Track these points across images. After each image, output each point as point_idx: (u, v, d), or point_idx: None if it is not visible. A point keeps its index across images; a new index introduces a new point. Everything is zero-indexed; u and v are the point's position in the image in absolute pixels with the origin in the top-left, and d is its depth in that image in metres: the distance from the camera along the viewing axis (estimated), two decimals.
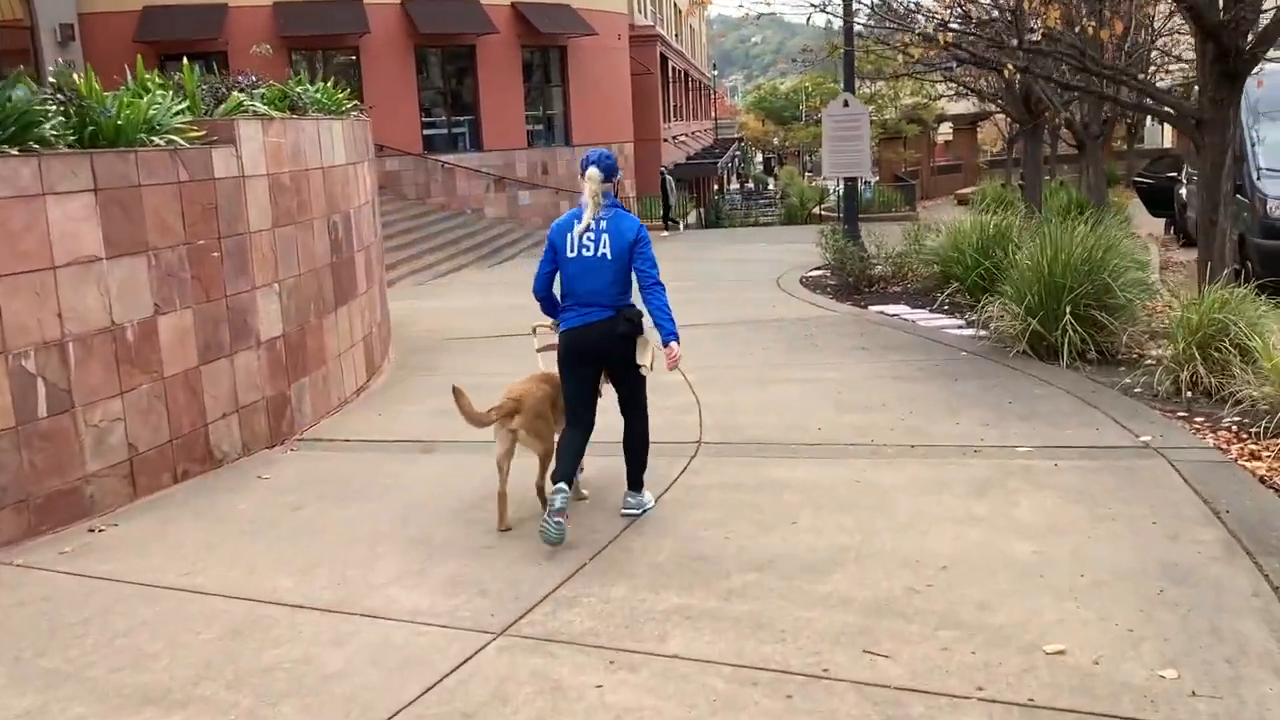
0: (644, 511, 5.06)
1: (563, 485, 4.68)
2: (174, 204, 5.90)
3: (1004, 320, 9.02)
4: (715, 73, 74.44)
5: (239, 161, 6.40)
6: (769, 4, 10.23)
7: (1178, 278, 13.58)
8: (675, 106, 41.16)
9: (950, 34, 9.15)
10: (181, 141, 6.06)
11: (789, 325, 10.91)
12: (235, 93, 6.88)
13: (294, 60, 23.28)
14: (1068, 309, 8.47)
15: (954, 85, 20.02)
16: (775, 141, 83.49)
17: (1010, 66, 8.24)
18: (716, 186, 46.11)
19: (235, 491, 5.78)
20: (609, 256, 4.80)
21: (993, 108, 32.12)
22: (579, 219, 4.89)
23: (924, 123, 34.72)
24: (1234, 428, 6.34)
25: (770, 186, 61.28)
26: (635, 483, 5.11)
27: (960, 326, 10.77)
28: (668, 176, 25.81)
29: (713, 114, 63.19)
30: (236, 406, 6.37)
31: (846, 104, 15.05)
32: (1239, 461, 5.65)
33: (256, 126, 6.66)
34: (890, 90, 30.89)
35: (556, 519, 4.57)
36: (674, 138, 38.23)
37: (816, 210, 31.18)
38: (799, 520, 4.90)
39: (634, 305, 4.95)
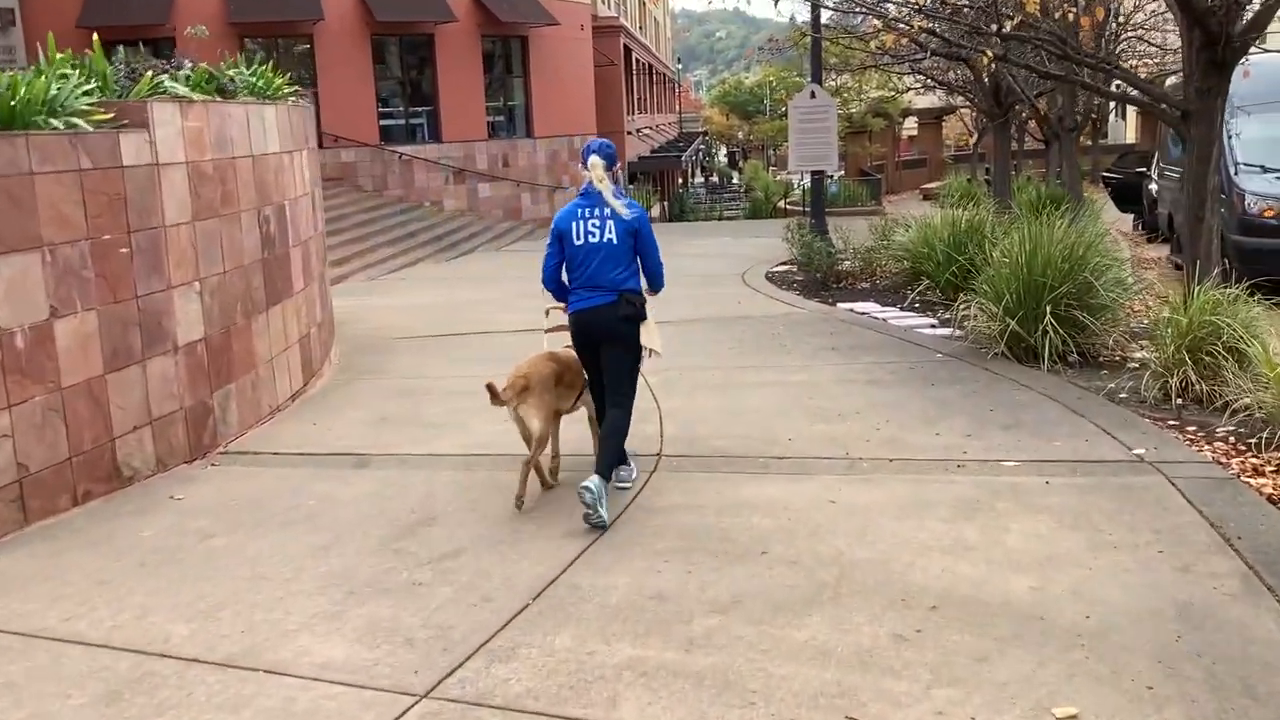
0: (592, 499, 4.77)
1: (626, 466, 5.33)
2: (74, 194, 5.28)
3: (981, 320, 8.58)
4: (679, 67, 73.90)
5: (152, 148, 5.79)
6: None
7: (1150, 274, 13.26)
8: (639, 99, 40.59)
9: (924, 20, 8.67)
10: (85, 125, 5.44)
11: (755, 323, 10.42)
12: (151, 73, 6.25)
13: (247, 49, 22.51)
14: (1048, 309, 8.04)
15: (921, 78, 19.62)
16: (740, 135, 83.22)
17: (988, 55, 7.78)
18: (681, 180, 45.62)
19: (142, 515, 5.18)
20: (614, 241, 5.04)
21: (960, 101, 31.91)
22: (586, 207, 5.09)
23: (889, 117, 34.40)
24: (1231, 438, 5.93)
25: (735, 180, 60.86)
26: (601, 469, 4.96)
27: (933, 325, 10.35)
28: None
29: (677, 108, 62.68)
30: (149, 418, 5.76)
31: (813, 95, 14.58)
32: (1242, 477, 5.23)
33: (173, 110, 6.04)
34: (855, 83, 30.54)
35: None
36: (638, 130, 37.67)
37: (782, 204, 30.79)
38: (770, 549, 4.40)
39: (638, 290, 5.17)
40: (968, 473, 5.40)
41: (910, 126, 40.64)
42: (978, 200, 27.52)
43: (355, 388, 8.03)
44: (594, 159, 5.10)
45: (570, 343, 5.44)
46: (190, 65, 7.05)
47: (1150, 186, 19.55)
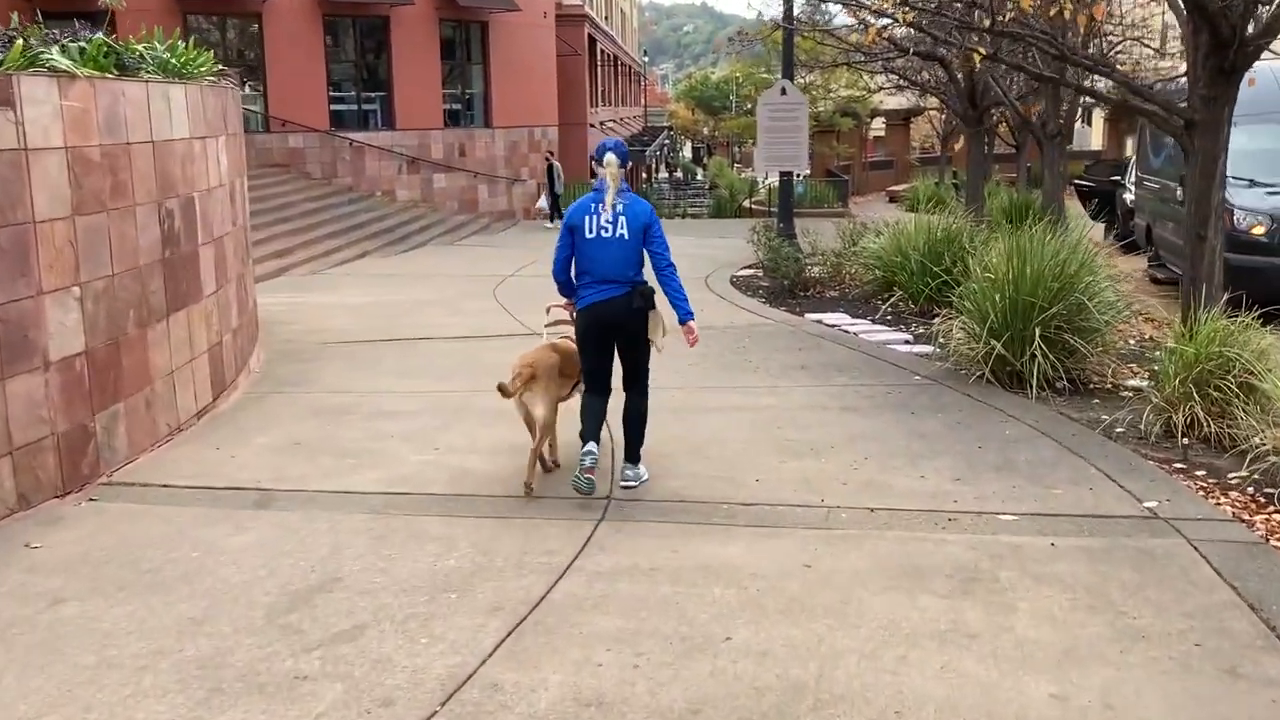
0: (640, 484, 5.31)
1: (592, 446, 5.16)
2: None
3: (963, 341, 7.91)
4: (646, 60, 73.09)
5: (19, 129, 4.93)
6: None
7: (1125, 288, 12.69)
8: (603, 91, 39.75)
9: (910, 13, 7.98)
10: None
11: (719, 336, 9.69)
12: (22, 41, 5.36)
13: (189, 26, 21.41)
14: (1037, 331, 7.40)
15: (894, 78, 19.01)
16: (705, 131, 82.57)
17: (979, 53, 7.09)
18: (645, 175, 44.85)
19: None
20: (626, 237, 5.14)
21: (930, 103, 31.44)
22: (598, 202, 5.19)
23: (858, 117, 33.87)
24: (1249, 488, 5.30)
25: (699, 176, 60.15)
26: (634, 456, 5.39)
27: (908, 342, 9.69)
28: (554, 163, 24.04)
29: (643, 101, 61.86)
30: (10, 447, 4.91)
31: (784, 92, 13.89)
32: (1271, 540, 4.58)
33: (50, 86, 5.18)
34: (823, 80, 29.93)
35: (587, 475, 5.08)
36: (601, 123, 36.82)
37: (747, 203, 30.09)
38: (735, 634, 3.66)
39: (646, 281, 5.23)
40: (961, 529, 4.70)
41: (878, 127, 40.16)
42: (946, 205, 27.14)
43: (272, 403, 7.19)
44: (610, 156, 5.22)
45: (566, 334, 5.73)
46: (81, 32, 6.17)
47: (1125, 195, 19.10)
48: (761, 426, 6.46)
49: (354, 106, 23.62)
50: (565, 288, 5.46)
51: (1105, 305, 7.75)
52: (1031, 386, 7.18)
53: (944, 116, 32.92)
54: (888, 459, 5.75)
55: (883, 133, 40.55)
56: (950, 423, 6.53)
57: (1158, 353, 8.08)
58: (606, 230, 5.14)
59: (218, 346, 7.06)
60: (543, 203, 24.43)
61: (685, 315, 5.29)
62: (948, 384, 7.62)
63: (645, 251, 5.24)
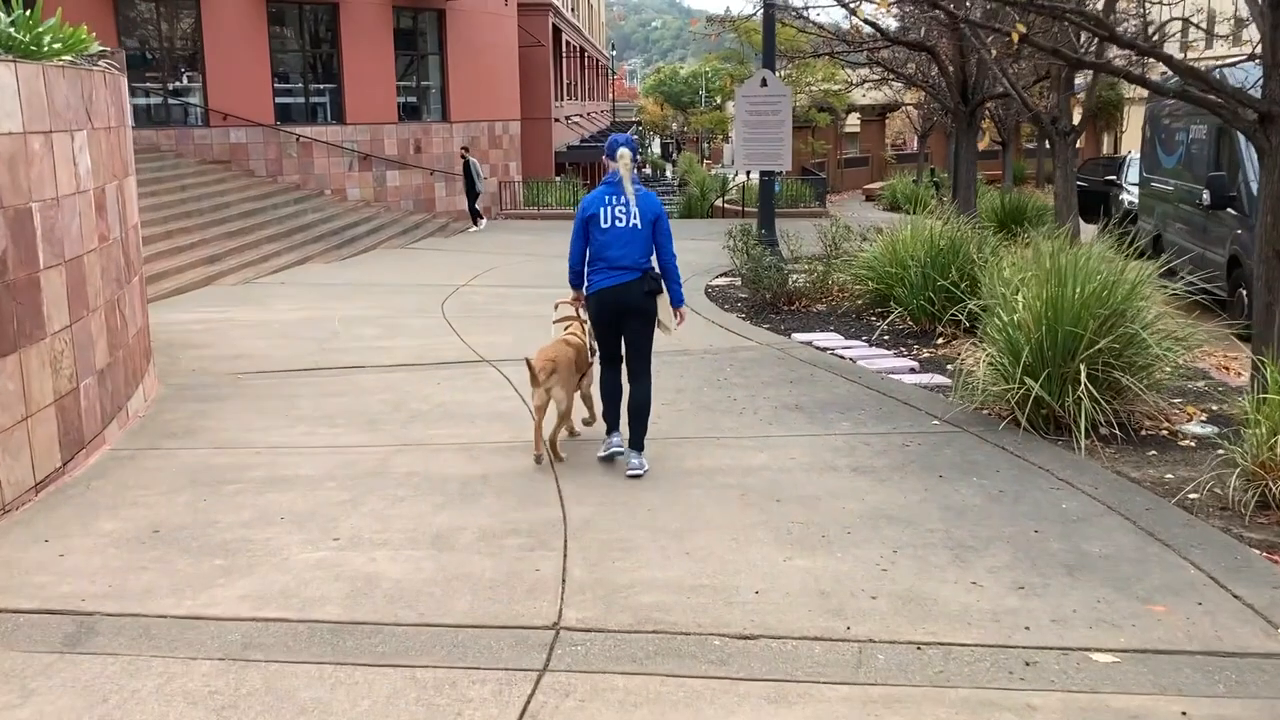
0: (644, 472, 5.51)
1: (615, 438, 5.71)
2: None
3: (990, 378, 6.60)
4: (614, 53, 71.68)
5: None
6: None
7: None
8: (569, 84, 38.29)
9: None
10: None
11: (696, 363, 8.36)
12: None
13: (120, 11, 19.78)
14: (1083, 369, 6.12)
15: (879, 70, 17.76)
16: (674, 127, 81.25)
17: (1018, 31, 5.78)
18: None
19: None
20: (639, 227, 5.47)
21: (907, 98, 30.29)
22: (612, 194, 5.48)
23: (834, 112, 32.63)
24: None
25: (668, 173, 58.83)
26: (638, 445, 5.60)
27: (914, 370, 8.41)
28: (471, 159, 22.08)
29: (610, 96, 60.44)
30: None
31: (765, 83, 12.56)
32: None
33: None
34: (798, 73, 28.68)
35: (617, 449, 5.68)
36: (566, 118, 35.39)
37: (719, 202, 28.78)
38: None
39: (654, 268, 5.55)
40: (1046, 680, 3.38)
41: (852, 123, 38.98)
42: (925, 204, 25.97)
43: (143, 466, 5.74)
44: (623, 150, 5.52)
45: (573, 330, 6.10)
46: None
47: (1122, 197, 17.98)
48: (756, 499, 5.12)
49: (301, 99, 22.06)
50: (578, 279, 5.72)
51: (1163, 336, 6.47)
52: (1079, 438, 5.90)
53: (921, 112, 31.79)
54: (924, 553, 4.42)
55: (857, 129, 39.36)
56: (992, 491, 5.23)
57: (1202, 385, 6.87)
58: (621, 220, 5.47)
59: (72, 395, 5.62)
60: (474, 203, 22.34)
61: (678, 300, 5.72)
62: (973, 430, 6.33)
63: (653, 240, 5.55)
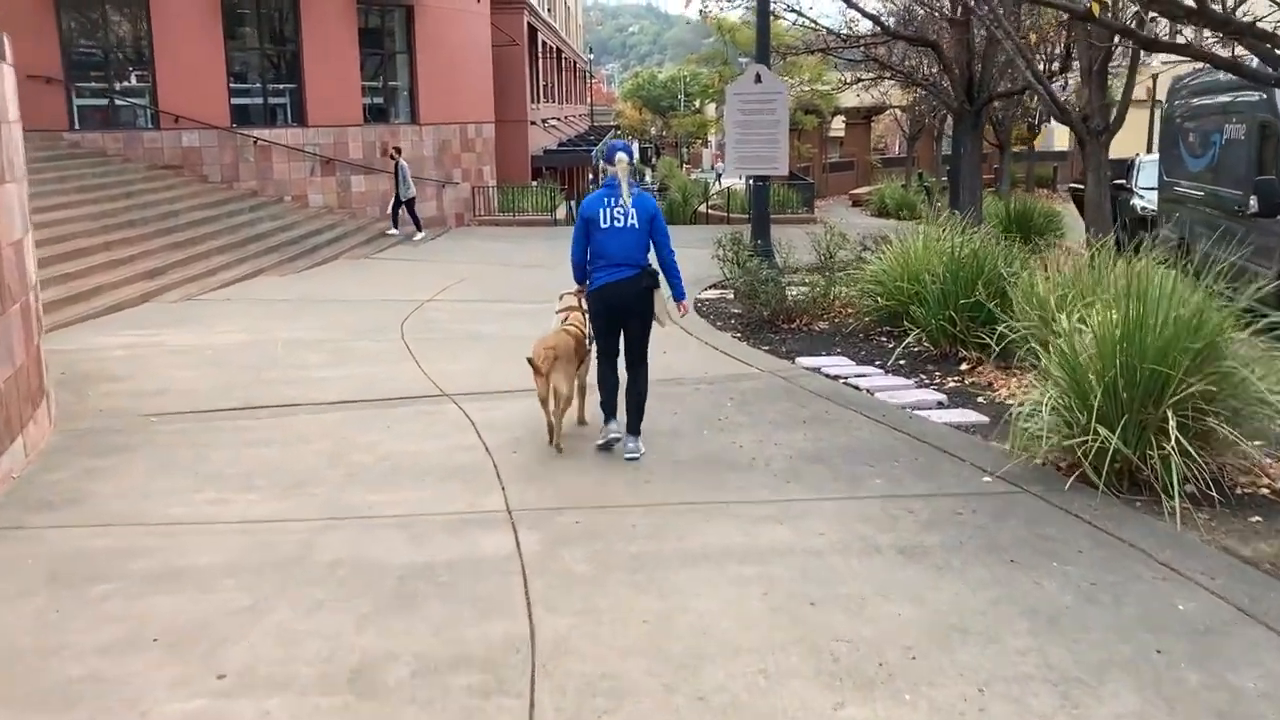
0: (640, 455, 5.83)
1: (613, 425, 5.94)
2: None
3: (1051, 425, 5.45)
4: (591, 56, 70.55)
5: None
6: None
7: None
8: (545, 86, 37.07)
9: None
10: None
11: (691, 397, 7.19)
12: None
13: (61, 5, 18.45)
14: (1172, 417, 4.99)
15: (875, 67, 16.67)
16: (653, 131, 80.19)
17: (1097, 3, 4.65)
18: (591, 176, 42.28)
19: None
20: (637, 226, 5.80)
21: (896, 101, 29.29)
22: (611, 196, 5.80)
23: (821, 114, 31.57)
24: None
25: (648, 178, 57.68)
26: (635, 430, 5.91)
27: (942, 405, 7.27)
28: (401, 161, 20.27)
29: (588, 99, 59.26)
30: None
31: (759, 79, 11.41)
32: None
33: None
34: (783, 71, 27.55)
35: (615, 434, 5.93)
36: (543, 121, 34.16)
37: (703, 208, 27.66)
38: None
39: (652, 265, 5.85)
40: None
41: (837, 127, 37.94)
42: (915, 209, 24.93)
43: None
44: (620, 155, 5.88)
45: (573, 321, 6.31)
46: None
47: (1134, 202, 16.94)
48: (783, 600, 3.94)
49: (259, 100, 20.76)
50: (581, 274, 5.98)
51: (1267, 375, 5.33)
52: (1170, 502, 4.76)
53: (909, 115, 30.80)
54: (1020, 691, 3.26)
55: (842, 132, 38.31)
56: (1082, 584, 4.08)
57: None
58: (619, 220, 5.75)
59: None
60: (403, 210, 20.04)
61: (680, 295, 6.10)
62: (1034, 490, 5.19)
63: (650, 239, 5.83)
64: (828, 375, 8.11)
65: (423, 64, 22.30)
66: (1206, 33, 5.76)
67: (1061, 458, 5.56)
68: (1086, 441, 5.12)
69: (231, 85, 19.87)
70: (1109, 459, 5.05)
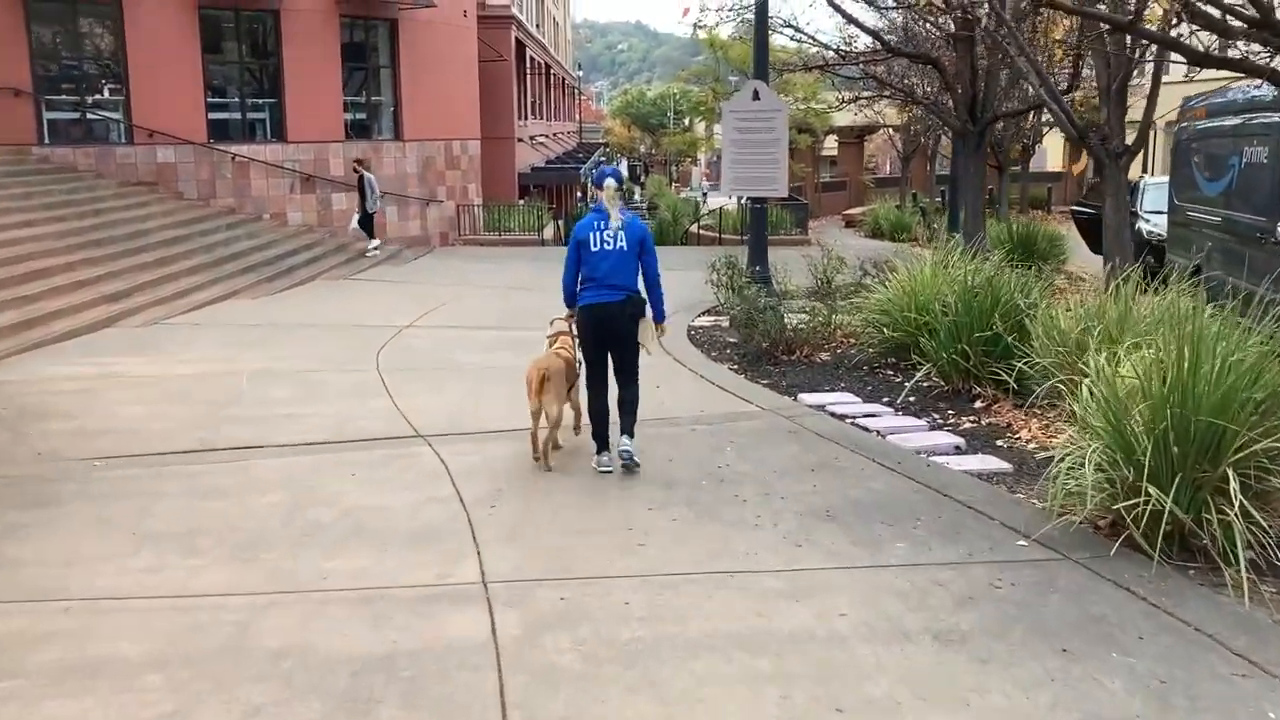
0: (634, 456, 5.96)
1: (604, 457, 6.03)
2: None
3: (1091, 480, 4.87)
4: (580, 73, 70.24)
5: None
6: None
7: None
8: (534, 103, 36.56)
9: None
10: None
11: (687, 441, 6.61)
12: None
13: (32, 16, 17.83)
14: (1233, 477, 4.42)
15: (872, 85, 16.19)
16: (642, 149, 79.85)
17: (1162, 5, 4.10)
18: (580, 194, 41.78)
19: None
20: (625, 249, 5.94)
21: (890, 120, 28.88)
22: (600, 220, 5.94)
23: (814, 132, 31.11)
24: None
25: (637, 196, 57.22)
26: (629, 431, 6.03)
27: (958, 448, 6.70)
28: (366, 174, 18.89)
29: (577, 116, 58.82)
30: None
31: (757, 96, 10.88)
32: None
33: None
34: (777, 89, 27.13)
35: (606, 468, 5.99)
36: (531, 138, 33.65)
37: (694, 228, 27.16)
38: None
39: (640, 291, 6.03)
40: None
41: (830, 146, 37.53)
42: (910, 230, 24.42)
43: None
44: (610, 181, 6.04)
45: (561, 343, 6.42)
46: None
47: (1139, 226, 16.46)
48: (806, 705, 3.34)
49: (237, 115, 20.15)
50: (571, 298, 6.11)
51: None
52: (1235, 570, 4.19)
53: (904, 136, 30.41)
54: None
55: (834, 152, 37.89)
56: (1149, 683, 3.49)
57: None
58: (609, 243, 5.91)
59: None
60: (354, 223, 19.41)
61: (660, 317, 6.16)
62: (1078, 557, 4.62)
63: (639, 262, 5.99)
64: (834, 414, 7.54)
65: (407, 79, 21.75)
66: (1255, 46, 5.22)
67: (1099, 515, 5.00)
68: (1136, 504, 4.55)
69: (209, 99, 19.25)
70: (1153, 518, 4.49)
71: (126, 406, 7.71)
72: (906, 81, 15.54)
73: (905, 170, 30.83)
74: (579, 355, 6.33)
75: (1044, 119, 25.20)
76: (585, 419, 6.34)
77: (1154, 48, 8.33)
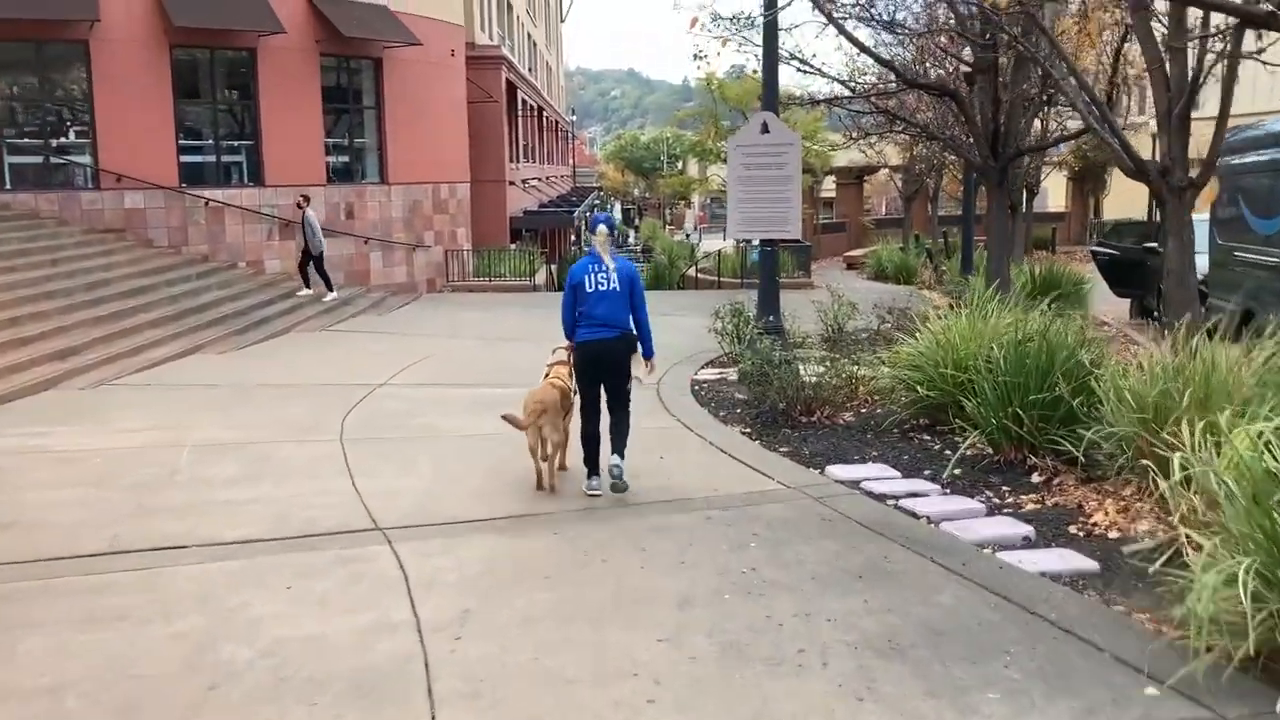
0: (622, 472, 6.26)
1: (594, 481, 6.37)
2: None
3: (1232, 609, 3.71)
4: (574, 118, 69.77)
5: None
6: None
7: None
8: (526, 146, 35.69)
9: None
10: None
11: (701, 534, 5.45)
12: None
13: None
14: None
15: (882, 121, 15.20)
16: (635, 192, 79.26)
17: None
18: (574, 238, 40.85)
19: None
20: (618, 289, 6.35)
21: (890, 159, 27.99)
22: (594, 263, 6.35)
23: (815, 172, 30.21)
24: None
25: (631, 239, 56.38)
26: (619, 449, 6.33)
27: (1029, 540, 5.56)
28: (308, 211, 17.37)
29: (571, 160, 58.14)
30: None
31: (766, 129, 9.82)
32: None
33: None
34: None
35: (595, 492, 6.32)
36: (523, 181, 32.73)
37: (691, 271, 26.15)
38: None
39: (632, 329, 6.42)
40: None
41: (828, 187, 36.66)
42: (914, 273, 23.38)
43: None
44: (601, 228, 6.54)
45: (558, 373, 6.73)
46: None
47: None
48: None
49: (212, 158, 19.22)
50: (571, 331, 6.48)
51: None
52: None
53: (905, 176, 29.53)
54: None
55: (833, 193, 37.02)
56: None
57: None
58: (603, 285, 6.32)
59: None
60: (307, 285, 17.83)
61: (648, 353, 6.55)
62: (1237, 717, 3.44)
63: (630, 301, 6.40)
64: (871, 493, 6.40)
65: (392, 120, 20.83)
66: None
67: (1234, 644, 3.84)
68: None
69: (181, 141, 18.30)
70: None
71: (36, 492, 6.54)
72: (919, 116, 14.53)
73: (907, 211, 29.90)
74: (574, 385, 6.60)
75: (1045, 158, 24.38)
76: (570, 462, 6.70)
77: (1221, 67, 7.31)
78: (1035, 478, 6.74)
